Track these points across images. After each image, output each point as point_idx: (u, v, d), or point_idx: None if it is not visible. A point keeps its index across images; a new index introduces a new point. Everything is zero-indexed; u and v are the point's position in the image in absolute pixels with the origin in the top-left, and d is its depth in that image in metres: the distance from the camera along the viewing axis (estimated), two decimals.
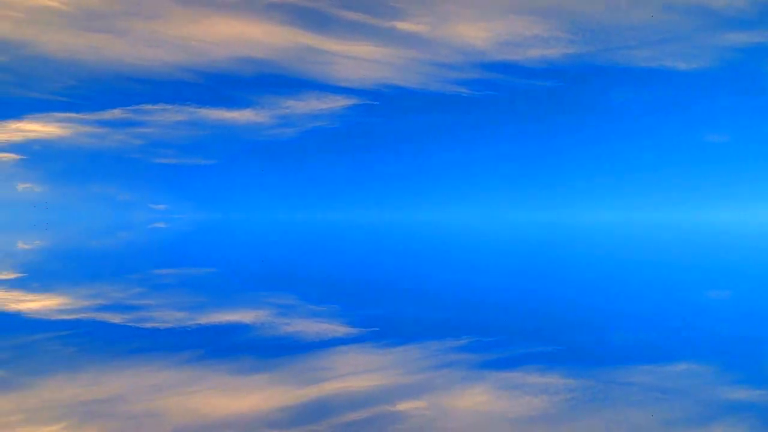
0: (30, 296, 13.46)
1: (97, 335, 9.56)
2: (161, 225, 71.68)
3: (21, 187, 63.18)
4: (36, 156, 65.93)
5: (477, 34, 69.67)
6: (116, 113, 67.07)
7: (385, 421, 5.79)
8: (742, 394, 6.61)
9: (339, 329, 10.01)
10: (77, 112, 66.30)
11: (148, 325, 10.36)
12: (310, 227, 62.10)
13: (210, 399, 6.45)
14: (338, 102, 71.92)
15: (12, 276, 17.62)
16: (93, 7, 58.76)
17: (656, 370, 7.50)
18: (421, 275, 18.67)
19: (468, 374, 7.36)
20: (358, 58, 67.74)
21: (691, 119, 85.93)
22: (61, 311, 11.54)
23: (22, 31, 59.29)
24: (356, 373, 7.44)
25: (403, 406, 6.22)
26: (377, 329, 10.03)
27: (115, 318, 10.92)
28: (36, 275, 18.25)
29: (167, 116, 68.07)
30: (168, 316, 11.13)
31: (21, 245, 33.32)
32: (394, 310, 12.06)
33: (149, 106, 67.89)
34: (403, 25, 67.03)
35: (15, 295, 13.70)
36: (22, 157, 65.56)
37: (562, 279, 17.32)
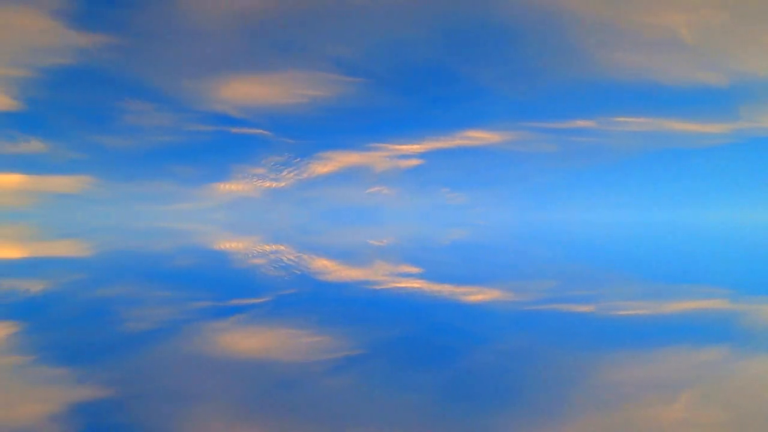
0: (468, 288, 15.62)
1: (590, 325, 10.73)
2: (481, 222, 75.89)
3: (370, 190, 72.25)
4: (439, 161, 72.49)
5: None
6: (578, 123, 68.52)
7: None
8: None
9: None
10: (540, 120, 69.07)
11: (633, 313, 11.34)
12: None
13: None
14: None
15: (418, 270, 20.62)
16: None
17: None
18: None
19: None
20: None
21: None
22: (514, 303, 13.07)
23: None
24: None
25: None
26: None
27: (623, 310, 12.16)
28: (439, 270, 21.18)
29: (620, 127, 68.14)
30: (623, 305, 12.02)
31: (372, 242, 39.06)
32: None
33: (621, 118, 68.15)
34: None
35: (452, 288, 15.97)
36: (422, 162, 72.43)
37: None
